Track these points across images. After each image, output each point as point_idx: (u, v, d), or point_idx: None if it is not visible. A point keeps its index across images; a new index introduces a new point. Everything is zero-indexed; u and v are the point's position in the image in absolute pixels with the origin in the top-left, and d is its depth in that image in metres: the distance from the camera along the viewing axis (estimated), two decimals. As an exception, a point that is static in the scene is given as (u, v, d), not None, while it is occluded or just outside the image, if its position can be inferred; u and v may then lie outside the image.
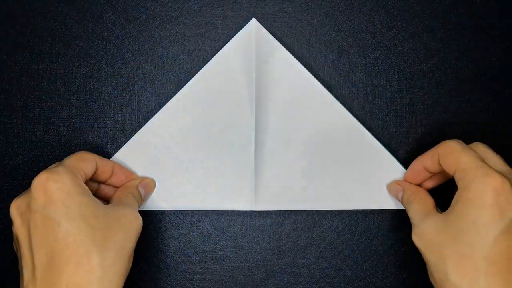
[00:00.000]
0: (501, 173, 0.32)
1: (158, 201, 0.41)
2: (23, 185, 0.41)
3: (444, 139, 0.42)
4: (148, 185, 0.40)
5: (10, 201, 0.41)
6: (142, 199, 0.39)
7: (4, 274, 0.41)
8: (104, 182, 0.39)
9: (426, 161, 0.37)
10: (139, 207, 0.38)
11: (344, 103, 0.41)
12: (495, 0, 0.42)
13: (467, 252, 0.31)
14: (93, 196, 0.34)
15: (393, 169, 0.41)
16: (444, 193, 0.39)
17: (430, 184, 0.39)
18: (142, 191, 0.39)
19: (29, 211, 0.32)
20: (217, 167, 0.41)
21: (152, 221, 0.42)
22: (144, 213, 0.42)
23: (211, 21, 0.42)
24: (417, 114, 0.42)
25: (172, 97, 0.42)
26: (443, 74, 0.42)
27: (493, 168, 0.32)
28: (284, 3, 0.42)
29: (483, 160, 0.33)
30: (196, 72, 0.42)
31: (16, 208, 0.33)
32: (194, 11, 0.42)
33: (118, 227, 0.33)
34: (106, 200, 0.39)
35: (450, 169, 0.34)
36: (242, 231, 0.42)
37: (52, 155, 0.41)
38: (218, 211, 0.41)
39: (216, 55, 0.41)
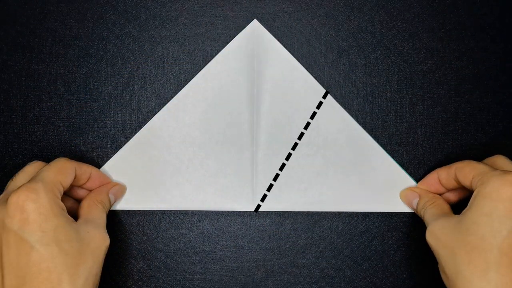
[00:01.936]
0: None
1: (158, 201, 0.41)
2: (23, 185, 0.41)
3: (445, 139, 0.42)
4: (119, 191, 0.40)
5: (10, 201, 0.41)
6: (110, 206, 0.39)
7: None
8: (78, 186, 0.39)
9: (442, 173, 0.38)
10: (107, 213, 0.38)
11: (344, 103, 0.41)
12: (495, 0, 0.42)
13: (478, 244, 0.31)
14: (67, 215, 0.34)
15: (392, 171, 0.41)
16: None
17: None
18: (112, 197, 0.39)
19: (3, 228, 0.32)
20: (217, 167, 0.41)
21: (152, 221, 0.42)
22: (144, 213, 0.42)
23: (211, 21, 0.42)
24: (417, 114, 0.42)
25: (172, 97, 0.42)
26: (443, 74, 0.42)
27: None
28: (284, 3, 0.42)
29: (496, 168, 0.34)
30: (196, 72, 0.42)
31: None
32: (194, 11, 0.42)
33: (88, 252, 0.33)
34: (77, 200, 0.39)
35: (467, 178, 0.35)
36: (242, 231, 0.42)
37: (52, 155, 0.41)
38: (218, 211, 0.41)
39: (217, 55, 0.41)
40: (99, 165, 0.41)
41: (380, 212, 0.41)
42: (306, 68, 0.41)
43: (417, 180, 0.41)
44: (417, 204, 0.39)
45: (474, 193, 0.33)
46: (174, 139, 0.41)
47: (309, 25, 0.42)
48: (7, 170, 0.41)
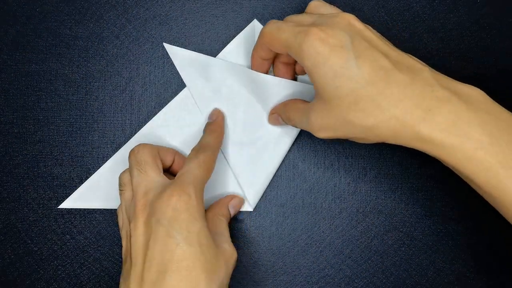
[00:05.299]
0: (315, 25, 0.32)
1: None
2: (23, 185, 0.41)
3: (444, 139, 0.42)
4: (238, 204, 0.40)
5: (10, 201, 0.41)
6: (230, 218, 0.40)
7: (4, 275, 0.41)
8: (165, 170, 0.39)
9: (261, 53, 0.37)
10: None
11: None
12: (495, 0, 0.42)
13: (355, 97, 0.30)
14: (206, 221, 0.34)
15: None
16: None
17: (289, 71, 0.39)
18: (231, 210, 0.40)
19: (154, 222, 0.32)
20: (217, 167, 0.41)
21: (152, 221, 0.42)
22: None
23: (211, 21, 0.42)
24: (417, 114, 0.42)
25: (172, 97, 0.42)
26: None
27: (308, 26, 0.32)
28: (284, 3, 0.42)
29: (297, 25, 0.33)
30: (196, 72, 0.42)
31: (141, 212, 0.33)
32: (194, 11, 0.42)
33: (222, 261, 0.33)
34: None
35: (281, 50, 0.34)
36: (242, 231, 0.42)
37: (52, 155, 0.41)
38: (218, 211, 0.41)
39: (218, 55, 0.41)
40: (99, 165, 0.41)
41: (380, 212, 0.41)
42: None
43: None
44: (283, 120, 0.38)
45: (307, 71, 0.32)
46: (174, 139, 0.41)
47: (309, 25, 0.42)
48: (7, 170, 0.41)
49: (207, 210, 0.39)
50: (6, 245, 0.41)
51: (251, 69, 0.39)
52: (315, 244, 0.42)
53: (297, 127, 0.38)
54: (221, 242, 0.35)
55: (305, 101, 0.37)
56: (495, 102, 0.30)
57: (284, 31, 0.33)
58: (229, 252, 0.35)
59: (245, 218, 0.42)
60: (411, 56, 0.32)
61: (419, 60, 0.32)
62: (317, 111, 0.33)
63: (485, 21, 0.42)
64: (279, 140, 0.40)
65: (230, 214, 0.39)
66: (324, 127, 0.33)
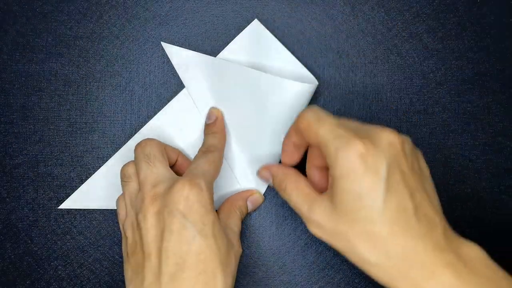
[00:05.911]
0: (358, 135, 0.30)
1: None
2: (23, 185, 0.41)
3: (445, 139, 0.42)
4: (257, 200, 0.40)
5: (10, 201, 0.41)
6: (247, 213, 0.40)
7: (4, 275, 0.41)
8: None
9: (293, 139, 0.35)
10: (242, 220, 0.39)
11: (344, 103, 0.41)
12: (495, 0, 0.42)
13: (369, 228, 0.30)
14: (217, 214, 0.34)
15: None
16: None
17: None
18: (249, 205, 0.40)
19: (167, 214, 0.32)
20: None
21: (152, 221, 0.42)
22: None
23: (211, 21, 0.42)
24: (417, 114, 0.42)
25: (172, 97, 0.42)
26: (443, 74, 0.42)
27: (351, 133, 0.30)
28: (284, 3, 0.42)
29: (339, 126, 0.31)
30: (196, 72, 0.42)
31: (151, 204, 0.33)
32: (194, 11, 0.42)
33: (232, 254, 0.34)
34: None
35: (314, 144, 0.32)
36: (242, 231, 0.42)
37: (52, 155, 0.41)
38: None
39: (218, 55, 0.41)
40: (99, 165, 0.41)
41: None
42: (307, 68, 0.41)
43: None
44: (273, 183, 0.37)
45: (330, 173, 0.31)
46: (174, 139, 0.41)
47: (309, 25, 0.42)
48: (7, 170, 0.41)
49: (224, 201, 0.39)
50: (6, 245, 0.41)
51: (281, 158, 0.38)
52: (315, 244, 0.42)
53: (288, 203, 0.35)
54: (230, 238, 0.35)
55: (309, 186, 0.34)
56: (494, 262, 0.30)
57: (324, 125, 0.31)
58: (237, 245, 0.35)
59: (245, 218, 0.42)
60: (430, 199, 0.31)
61: (435, 207, 0.31)
62: (324, 211, 0.31)
63: (485, 21, 0.42)
64: (278, 140, 0.40)
65: (247, 209, 0.39)
66: (324, 228, 0.31)
